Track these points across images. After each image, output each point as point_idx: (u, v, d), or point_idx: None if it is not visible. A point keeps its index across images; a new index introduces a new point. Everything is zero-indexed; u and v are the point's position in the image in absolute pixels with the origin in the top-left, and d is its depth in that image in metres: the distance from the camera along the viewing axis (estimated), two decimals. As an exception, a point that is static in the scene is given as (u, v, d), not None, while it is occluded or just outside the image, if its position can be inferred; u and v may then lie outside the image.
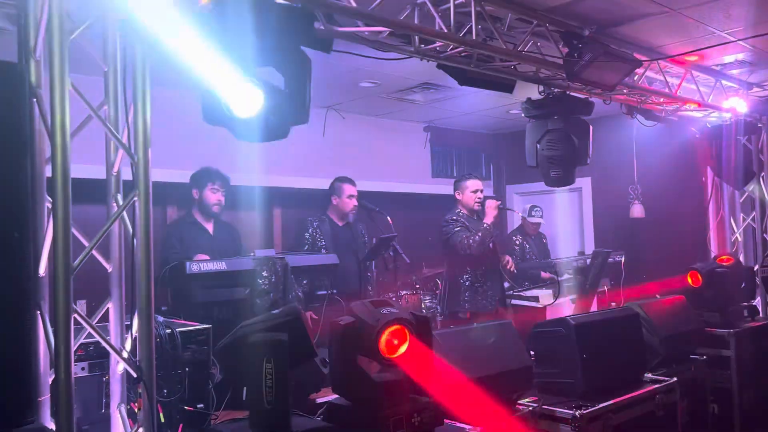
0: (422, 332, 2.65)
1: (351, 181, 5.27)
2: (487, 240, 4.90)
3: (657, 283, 5.47)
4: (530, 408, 3.43)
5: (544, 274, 5.87)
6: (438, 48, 3.70)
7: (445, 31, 3.46)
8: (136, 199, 2.32)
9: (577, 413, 3.35)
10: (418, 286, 5.79)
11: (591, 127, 4.65)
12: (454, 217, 5.09)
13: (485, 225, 4.92)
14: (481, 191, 5.20)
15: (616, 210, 7.01)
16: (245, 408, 2.48)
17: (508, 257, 5.41)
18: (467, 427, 2.76)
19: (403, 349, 2.57)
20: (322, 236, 5.05)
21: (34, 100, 2.26)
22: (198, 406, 2.85)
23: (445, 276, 5.34)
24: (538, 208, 6.21)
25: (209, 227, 4.63)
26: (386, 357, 2.54)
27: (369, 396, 2.60)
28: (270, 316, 2.50)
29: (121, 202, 2.50)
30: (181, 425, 2.73)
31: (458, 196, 5.22)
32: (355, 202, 5.21)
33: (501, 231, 6.31)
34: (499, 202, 5.09)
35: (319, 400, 3.00)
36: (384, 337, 2.53)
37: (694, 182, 6.44)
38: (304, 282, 4.48)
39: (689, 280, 5.16)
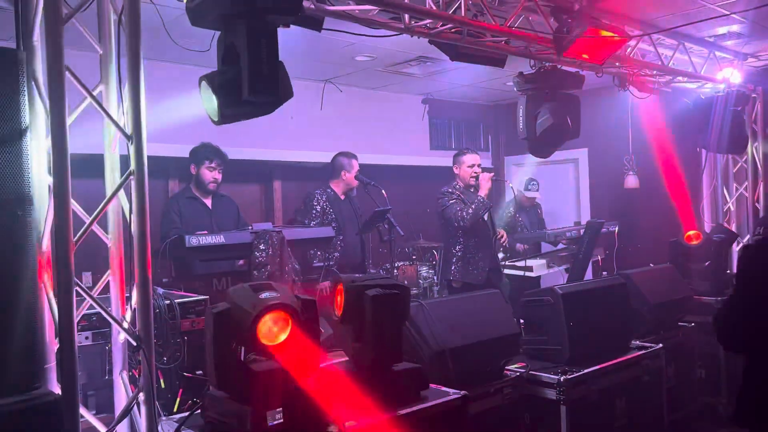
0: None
1: (356, 156, 5.41)
2: (480, 212, 4.99)
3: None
4: (517, 373, 3.58)
5: (519, 246, 5.97)
6: (428, 25, 3.75)
7: (434, 8, 3.51)
8: (132, 177, 2.42)
9: (562, 378, 3.48)
10: (414, 257, 5.91)
11: (580, 101, 4.71)
12: (450, 190, 5.19)
13: (479, 198, 5.02)
14: (478, 166, 5.28)
15: (612, 181, 7.08)
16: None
17: (502, 231, 5.51)
18: (451, 391, 2.89)
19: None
20: (332, 209, 5.17)
21: (33, 83, 2.36)
22: (197, 372, 3.00)
23: (441, 247, 5.47)
24: (535, 182, 6.28)
25: (208, 202, 4.73)
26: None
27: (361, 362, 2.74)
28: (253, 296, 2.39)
29: (118, 179, 2.62)
30: (180, 390, 2.88)
31: (456, 170, 5.31)
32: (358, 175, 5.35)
33: (498, 202, 6.39)
34: (492, 175, 5.17)
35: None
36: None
37: (689, 153, 6.49)
38: (318, 253, 4.62)
39: (691, 233, 5.36)
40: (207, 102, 2.66)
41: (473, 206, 4.99)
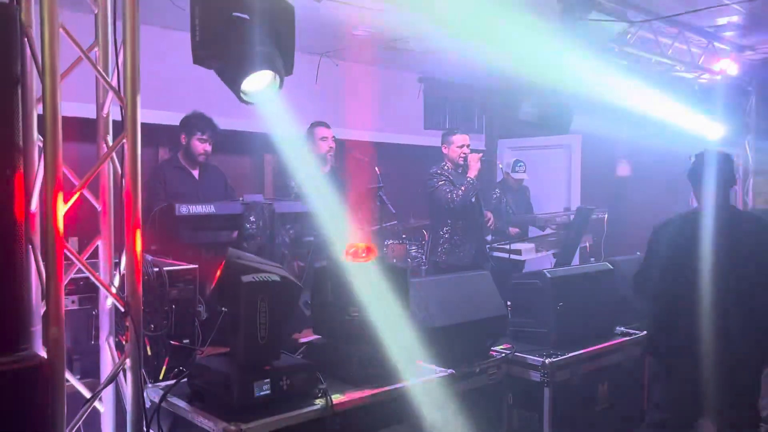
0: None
1: (323, 124, 5.13)
2: (470, 194, 4.97)
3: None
4: (503, 354, 3.61)
5: (512, 230, 5.97)
6: (430, 0, 3.71)
7: (437, -17, 3.46)
8: (124, 141, 2.38)
9: (546, 361, 3.52)
10: (404, 236, 5.90)
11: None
12: (439, 171, 5.16)
13: (468, 179, 4.99)
14: (468, 146, 5.24)
15: (604, 167, 7.10)
16: (230, 344, 2.57)
17: (489, 214, 5.50)
18: (438, 368, 2.90)
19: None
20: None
21: (26, 39, 2.29)
22: (184, 341, 2.99)
23: (429, 228, 5.45)
24: (522, 163, 6.27)
25: (195, 172, 4.66)
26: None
27: (342, 335, 2.74)
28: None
29: (110, 143, 2.57)
30: (167, 359, 2.87)
31: (445, 150, 5.27)
32: (330, 143, 5.06)
33: (487, 185, 6.37)
34: (481, 155, 5.14)
35: (302, 340, 3.14)
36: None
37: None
38: (290, 230, 4.55)
39: None
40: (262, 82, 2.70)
41: (463, 188, 4.96)
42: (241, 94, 2.68)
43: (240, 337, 2.34)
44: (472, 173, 5.01)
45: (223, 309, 2.57)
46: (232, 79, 2.62)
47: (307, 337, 3.21)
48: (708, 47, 5.56)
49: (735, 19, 5.10)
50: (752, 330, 3.21)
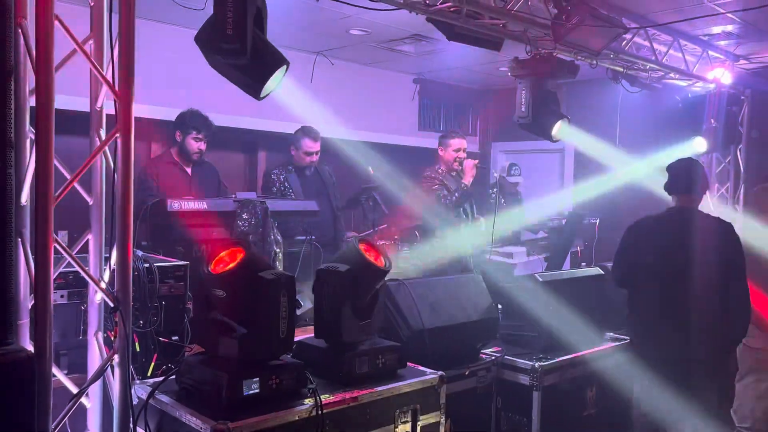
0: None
1: (310, 135, 4.99)
2: (463, 201, 4.97)
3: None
4: (493, 357, 3.61)
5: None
6: (427, 1, 3.71)
7: (434, -15, 3.46)
8: (117, 135, 2.36)
9: (536, 365, 3.52)
10: (396, 237, 5.89)
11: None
12: (433, 174, 5.14)
13: (463, 185, 4.99)
14: (464, 151, 5.23)
15: (597, 173, 7.11)
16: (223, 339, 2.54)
17: (482, 220, 5.49)
18: (428, 370, 2.90)
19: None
20: (290, 188, 4.87)
21: (20, 30, 2.27)
22: (173, 338, 2.97)
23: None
24: (517, 167, 6.27)
25: (188, 168, 4.65)
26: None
27: (336, 337, 2.73)
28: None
29: (103, 137, 2.55)
30: (155, 355, 2.85)
31: (441, 152, 5.26)
32: (313, 158, 4.98)
33: (480, 190, 6.37)
34: (477, 161, 5.13)
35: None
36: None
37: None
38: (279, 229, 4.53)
39: None
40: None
41: (457, 194, 4.96)
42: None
43: (262, 331, 2.37)
44: (467, 179, 5.00)
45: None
46: (258, 75, 2.59)
47: (296, 336, 3.19)
48: (702, 56, 5.59)
49: (730, 28, 5.13)
50: (717, 318, 3.57)
